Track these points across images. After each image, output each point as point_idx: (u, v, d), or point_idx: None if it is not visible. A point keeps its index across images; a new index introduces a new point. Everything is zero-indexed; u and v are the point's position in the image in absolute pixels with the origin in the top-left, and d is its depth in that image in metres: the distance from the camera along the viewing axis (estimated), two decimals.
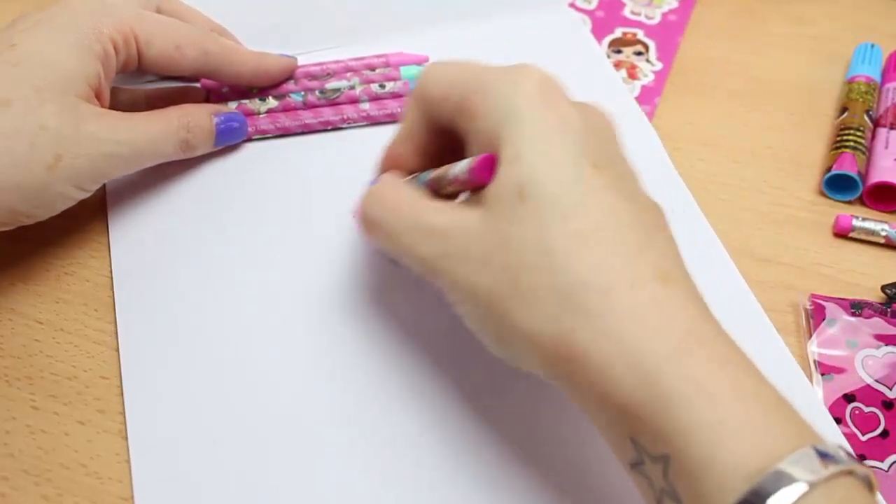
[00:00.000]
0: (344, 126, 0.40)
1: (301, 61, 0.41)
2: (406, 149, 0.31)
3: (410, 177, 0.31)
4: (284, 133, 0.40)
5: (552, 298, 0.23)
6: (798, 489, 0.19)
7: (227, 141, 0.39)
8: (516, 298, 0.23)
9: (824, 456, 0.20)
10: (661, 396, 0.21)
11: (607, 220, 0.23)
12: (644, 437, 0.22)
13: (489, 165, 0.25)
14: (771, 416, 0.21)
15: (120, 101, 0.38)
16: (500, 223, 0.24)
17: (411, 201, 0.28)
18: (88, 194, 0.34)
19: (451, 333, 0.33)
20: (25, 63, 0.32)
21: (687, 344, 0.22)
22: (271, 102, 0.40)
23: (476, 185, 0.26)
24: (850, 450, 0.29)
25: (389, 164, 0.31)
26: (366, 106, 0.40)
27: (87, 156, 0.32)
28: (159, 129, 0.35)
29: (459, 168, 0.27)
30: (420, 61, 0.43)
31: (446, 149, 0.29)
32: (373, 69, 0.42)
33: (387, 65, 0.42)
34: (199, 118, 0.37)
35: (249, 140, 0.40)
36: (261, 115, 0.40)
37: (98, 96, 0.34)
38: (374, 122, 0.40)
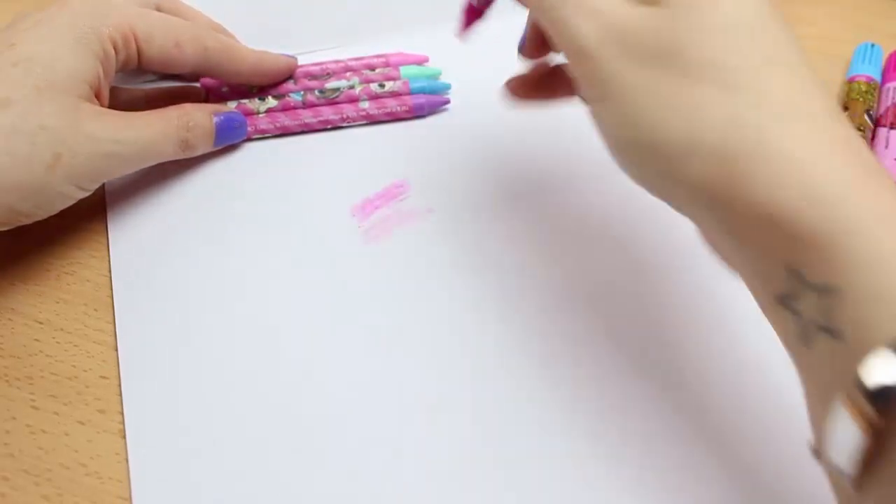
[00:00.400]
0: (343, 125, 0.40)
1: (301, 61, 0.41)
2: None
3: None
4: (284, 133, 0.40)
5: (725, 113, 0.22)
6: None
7: (227, 140, 0.39)
8: (688, 106, 0.22)
9: None
10: (840, 222, 0.20)
11: (791, 59, 0.23)
12: (807, 266, 0.21)
13: None
14: None
15: (119, 101, 0.38)
16: (685, 23, 0.23)
17: None
18: (88, 193, 0.34)
19: (450, 335, 0.33)
20: (25, 63, 0.32)
21: (869, 177, 0.21)
22: (270, 102, 0.40)
23: None
24: None
25: None
26: (365, 105, 0.40)
27: (87, 155, 0.32)
28: (159, 129, 0.35)
29: None
30: (420, 61, 0.43)
31: None
32: (373, 69, 0.42)
33: (387, 65, 0.42)
34: (198, 118, 0.37)
35: (249, 140, 0.40)
36: (260, 115, 0.40)
37: (98, 96, 0.34)
38: (373, 120, 0.41)
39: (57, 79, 0.32)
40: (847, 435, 0.19)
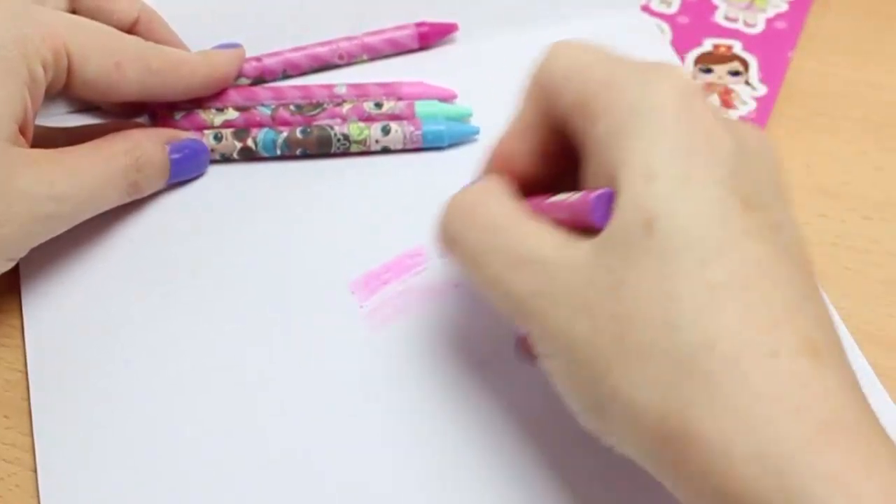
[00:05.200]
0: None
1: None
2: (519, 147, 0.28)
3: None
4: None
5: (666, 361, 0.21)
6: None
7: (183, 176, 0.36)
8: (621, 357, 0.22)
9: None
10: (792, 492, 0.20)
11: (753, 273, 0.22)
12: None
13: (605, 203, 0.23)
14: None
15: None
16: (616, 259, 0.22)
17: (505, 217, 0.25)
18: (13, 265, 0.31)
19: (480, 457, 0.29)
20: None
21: (830, 432, 0.20)
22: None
23: (585, 227, 0.24)
24: None
25: (498, 165, 0.28)
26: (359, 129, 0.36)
27: (21, 221, 0.29)
28: (104, 173, 0.32)
29: (567, 201, 0.25)
30: (445, 97, 0.38)
31: (571, 152, 0.27)
32: (378, 104, 0.37)
33: (397, 98, 0.37)
34: (150, 151, 0.34)
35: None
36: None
37: (23, 132, 0.30)
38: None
39: None
40: None
